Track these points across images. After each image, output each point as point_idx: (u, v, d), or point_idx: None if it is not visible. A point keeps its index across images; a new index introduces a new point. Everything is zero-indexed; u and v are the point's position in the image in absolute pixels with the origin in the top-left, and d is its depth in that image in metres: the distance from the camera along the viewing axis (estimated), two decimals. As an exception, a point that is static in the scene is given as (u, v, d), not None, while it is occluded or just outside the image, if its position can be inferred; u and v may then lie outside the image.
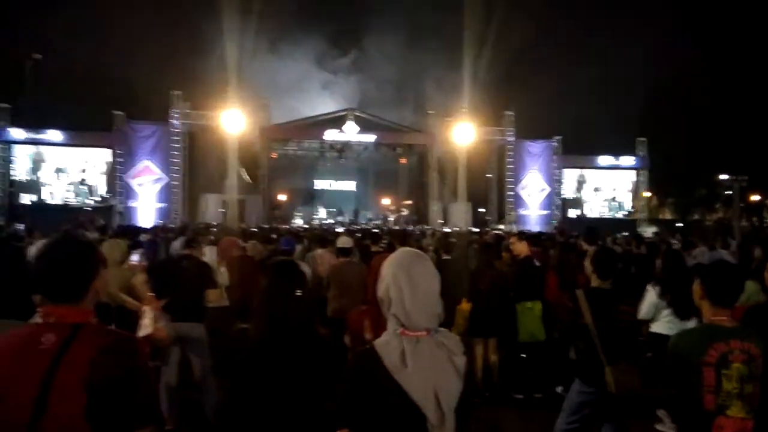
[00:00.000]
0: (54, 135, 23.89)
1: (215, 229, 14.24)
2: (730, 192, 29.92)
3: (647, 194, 29.95)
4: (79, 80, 26.55)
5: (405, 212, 29.58)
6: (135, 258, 6.43)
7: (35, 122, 23.63)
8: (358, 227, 21.55)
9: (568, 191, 28.52)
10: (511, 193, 27.35)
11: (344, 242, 6.69)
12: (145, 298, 4.89)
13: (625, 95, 31.93)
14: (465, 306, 5.69)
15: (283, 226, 20.68)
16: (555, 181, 27.90)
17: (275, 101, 28.59)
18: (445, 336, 1.89)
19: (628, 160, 28.51)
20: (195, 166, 25.97)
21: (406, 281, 1.87)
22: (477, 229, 21.93)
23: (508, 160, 27.35)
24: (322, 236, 9.65)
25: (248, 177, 26.81)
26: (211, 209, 24.65)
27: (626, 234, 18.38)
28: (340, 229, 17.92)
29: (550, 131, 27.96)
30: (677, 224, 33.83)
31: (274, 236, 10.61)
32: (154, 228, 15.83)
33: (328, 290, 6.26)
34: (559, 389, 5.95)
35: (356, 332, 3.93)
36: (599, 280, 3.93)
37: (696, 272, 3.04)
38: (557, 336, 6.29)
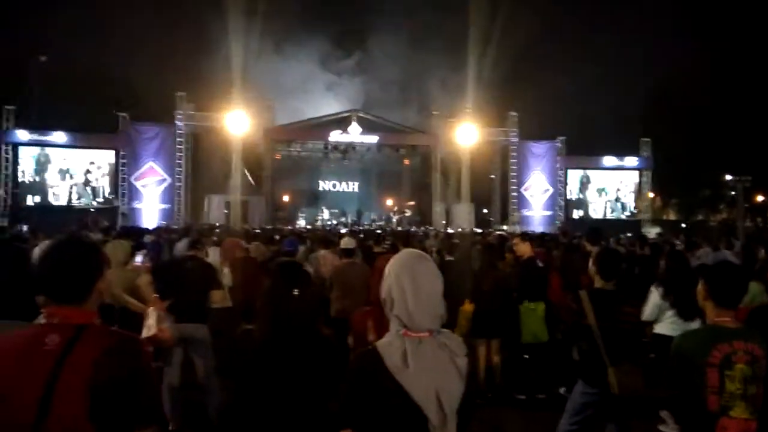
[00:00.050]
0: (59, 137, 23.96)
1: (218, 231, 14.27)
2: (734, 192, 29.84)
3: (651, 195, 29.87)
4: (83, 82, 26.61)
5: (408, 213, 29.57)
6: (138, 259, 6.44)
7: (40, 124, 23.72)
8: (361, 228, 21.58)
9: (571, 192, 28.46)
10: (515, 194, 27.30)
11: (347, 243, 6.70)
12: (149, 299, 4.90)
13: (628, 96, 31.83)
14: (468, 307, 5.69)
15: (286, 227, 20.73)
16: (558, 182, 27.84)
17: (279, 102, 28.65)
18: (447, 337, 1.89)
19: (632, 161, 28.43)
20: (199, 167, 26.03)
21: (409, 282, 1.87)
22: (480, 230, 21.92)
23: (512, 160, 27.32)
24: (326, 237, 9.67)
25: (252, 178, 26.87)
26: (215, 210, 24.70)
27: (630, 235, 18.35)
28: (343, 230, 17.95)
29: (554, 132, 27.92)
30: (681, 225, 33.76)
31: (277, 237, 10.62)
32: (158, 229, 15.87)
33: (330, 291, 6.27)
34: (561, 390, 5.94)
35: (359, 333, 3.92)
36: (602, 280, 3.91)
37: (700, 273, 3.04)
38: (560, 337, 6.29)
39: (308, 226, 24.45)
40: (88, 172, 24.50)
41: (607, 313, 3.70)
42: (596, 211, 28.55)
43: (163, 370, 4.97)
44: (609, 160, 28.45)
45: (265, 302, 2.50)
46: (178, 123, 24.71)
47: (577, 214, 28.31)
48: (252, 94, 25.07)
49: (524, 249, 6.79)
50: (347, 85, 37.07)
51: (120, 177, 24.37)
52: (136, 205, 24.58)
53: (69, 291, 1.80)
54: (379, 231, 15.31)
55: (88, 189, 24.47)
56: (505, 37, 26.32)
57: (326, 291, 6.33)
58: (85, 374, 1.65)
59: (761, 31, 33.67)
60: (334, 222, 28.18)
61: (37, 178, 23.92)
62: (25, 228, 14.51)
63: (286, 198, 31.05)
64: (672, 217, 41.43)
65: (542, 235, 14.00)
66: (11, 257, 4.45)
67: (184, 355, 5.13)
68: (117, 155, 24.47)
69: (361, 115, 27.00)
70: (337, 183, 33.64)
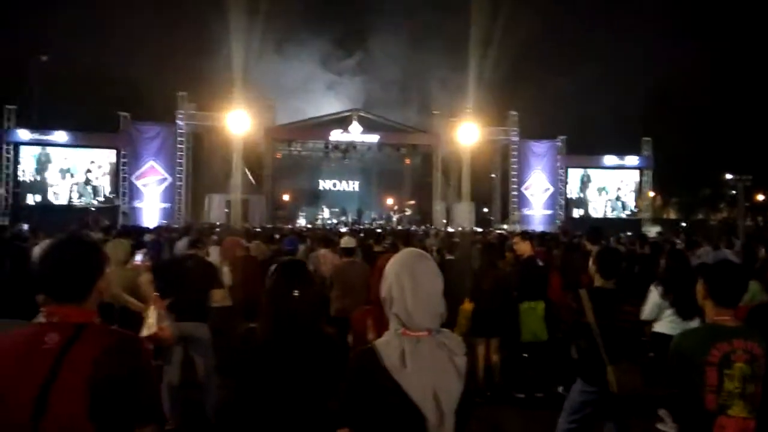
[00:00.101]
0: (60, 136, 23.98)
1: (219, 230, 14.28)
2: (735, 192, 29.82)
3: (652, 194, 29.85)
4: (84, 81, 26.62)
5: (408, 212, 29.58)
6: (139, 258, 6.45)
7: (41, 123, 23.75)
8: (362, 227, 21.57)
9: (572, 191, 28.46)
10: (515, 193, 27.30)
11: (347, 242, 6.71)
12: (149, 297, 4.91)
13: (629, 95, 31.82)
14: (467, 306, 5.69)
15: (287, 226, 20.73)
16: (559, 181, 27.84)
17: (281, 102, 28.66)
18: (446, 336, 1.89)
19: (633, 160, 28.42)
20: (200, 166, 26.04)
21: (408, 281, 1.87)
22: (480, 229, 21.92)
23: (512, 160, 27.32)
24: (326, 236, 9.67)
25: (252, 177, 26.88)
26: (215, 209, 24.72)
27: (630, 234, 18.34)
28: (343, 229, 17.96)
29: (555, 131, 27.91)
30: (681, 224, 33.73)
31: (277, 236, 10.63)
32: (158, 228, 15.88)
33: (330, 290, 6.27)
34: (560, 389, 5.95)
35: (359, 332, 3.93)
36: (602, 279, 3.92)
37: (700, 272, 3.04)
38: (561, 336, 6.29)
39: (309, 225, 24.46)
40: (88, 171, 24.53)
41: (607, 312, 3.70)
42: (597, 210, 28.54)
43: (162, 369, 4.98)
44: (609, 159, 28.44)
45: (267, 301, 2.50)
46: (179, 122, 24.72)
47: (577, 213, 28.30)
48: (253, 94, 25.09)
49: (524, 248, 6.79)
50: (348, 84, 37.08)
51: (121, 176, 24.39)
52: (137, 204, 24.61)
53: (69, 290, 1.80)
54: (379, 230, 15.30)
55: (89, 188, 24.49)
56: (505, 37, 26.33)
57: (326, 290, 6.33)
58: (85, 373, 1.65)
59: (761, 31, 33.65)
60: (335, 221, 28.19)
61: (38, 177, 23.94)
62: (25, 227, 14.52)
63: (286, 197, 31.04)
64: (672, 216, 41.41)
65: (542, 234, 13.98)
66: (11, 256, 4.46)
67: (184, 354, 5.14)
68: (118, 154, 24.48)
69: (361, 114, 27.00)
70: (338, 182, 33.64)
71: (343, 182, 33.69)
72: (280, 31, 32.93)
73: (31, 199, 23.69)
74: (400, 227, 23.83)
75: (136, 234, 10.47)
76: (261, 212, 25.51)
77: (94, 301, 1.86)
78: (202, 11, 29.09)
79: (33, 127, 23.62)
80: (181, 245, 9.22)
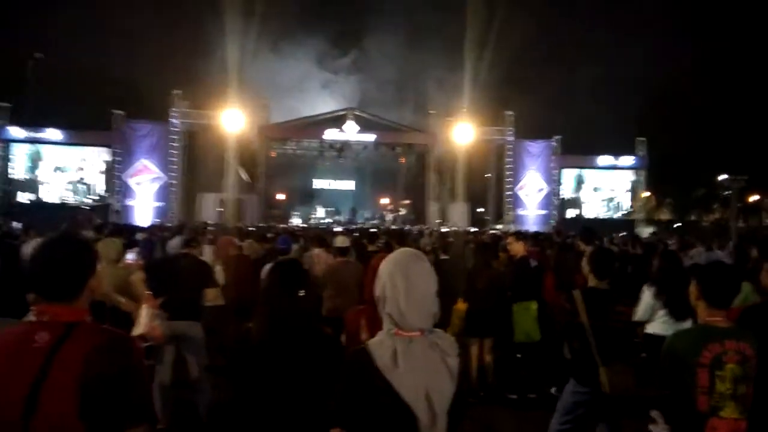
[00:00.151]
0: (53, 134, 23.88)
1: (212, 229, 14.24)
2: (729, 192, 29.92)
3: (646, 194, 29.95)
4: (78, 79, 26.51)
5: (403, 212, 29.58)
6: (131, 257, 6.42)
7: (34, 121, 23.63)
8: (356, 227, 21.55)
9: (566, 191, 28.53)
10: (510, 193, 27.35)
11: (341, 242, 6.70)
12: (142, 296, 4.88)
13: (624, 95, 31.97)
14: (461, 306, 5.69)
15: (281, 225, 20.69)
16: (553, 181, 27.90)
17: (275, 101, 28.66)
18: (439, 337, 1.89)
19: (627, 160, 28.52)
20: (193, 165, 25.95)
21: (402, 281, 1.87)
22: (475, 229, 21.94)
23: (507, 159, 27.37)
24: (319, 236, 9.65)
25: (247, 176, 26.81)
26: (209, 208, 24.66)
27: (623, 234, 18.39)
28: (337, 229, 17.94)
29: (550, 131, 28.00)
30: (675, 225, 33.85)
31: (270, 235, 10.60)
32: (151, 227, 15.82)
33: (324, 290, 6.26)
34: (553, 390, 5.95)
35: (352, 332, 3.92)
36: (596, 280, 3.93)
37: (692, 273, 3.04)
38: (557, 337, 6.29)
39: (303, 225, 24.42)
40: (81, 169, 24.43)
41: (601, 312, 3.71)
42: (591, 211, 28.62)
43: (154, 368, 4.95)
44: (604, 160, 28.53)
45: (263, 301, 2.50)
46: (172, 120, 24.64)
47: (571, 213, 28.37)
48: (247, 92, 25.07)
49: (518, 248, 6.80)
50: (343, 83, 37.13)
51: (114, 174, 24.28)
52: (130, 202, 24.51)
53: (60, 289, 1.79)
54: (373, 230, 15.29)
55: (82, 186, 24.38)
56: (501, 37, 26.39)
57: (319, 290, 6.32)
58: (75, 371, 1.64)
59: (757, 32, 33.82)
60: (329, 220, 28.15)
61: (30, 175, 23.83)
62: (17, 225, 14.45)
63: (280, 196, 31.00)
64: (666, 216, 41.54)
65: (536, 234, 14.00)
66: (2, 254, 4.43)
67: (177, 353, 5.11)
68: (111, 153, 24.39)
69: (357, 113, 26.97)
70: (332, 181, 33.63)
71: (338, 181, 33.68)
72: (275, 30, 32.94)
73: (23, 197, 23.59)
74: (394, 227, 23.83)
75: (128, 233, 10.41)
76: (255, 211, 25.46)
77: (85, 300, 1.85)
78: (197, 9, 29.09)
79: (26, 125, 23.51)
80: (174, 244, 9.19)
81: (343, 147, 27.88)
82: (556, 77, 31.91)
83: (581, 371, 3.76)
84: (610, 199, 28.73)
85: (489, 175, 28.70)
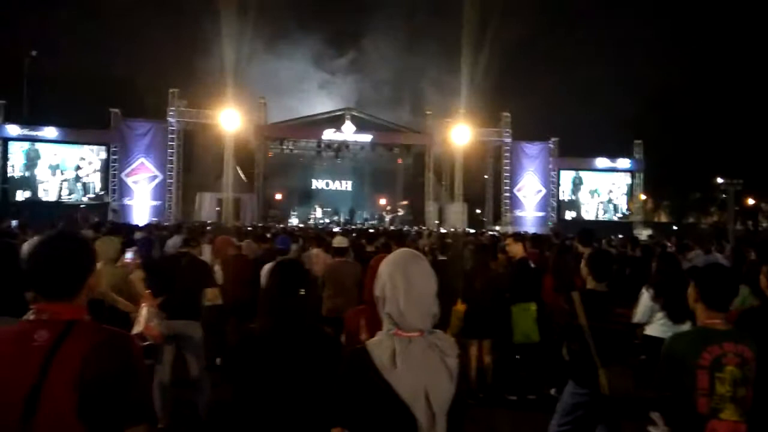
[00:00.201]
0: (49, 132, 23.82)
1: (211, 228, 14.23)
2: (725, 195, 30.00)
3: (643, 197, 30.02)
4: (75, 77, 26.48)
5: (401, 212, 29.58)
6: (129, 256, 6.40)
7: (31, 119, 23.61)
8: (354, 227, 21.55)
9: (564, 193, 28.56)
10: (507, 194, 27.38)
11: (340, 242, 6.70)
12: (141, 295, 4.87)
13: (621, 98, 32.02)
14: (460, 307, 5.69)
15: (279, 225, 20.67)
16: (551, 183, 27.95)
17: (273, 100, 28.60)
18: (438, 337, 1.88)
19: (625, 163, 28.58)
20: (191, 164, 25.95)
21: (402, 281, 1.86)
22: (473, 230, 21.95)
23: (505, 161, 27.41)
24: (318, 236, 9.64)
25: (244, 176, 26.79)
26: (206, 207, 24.64)
27: (621, 236, 18.40)
28: (335, 229, 17.93)
29: (547, 133, 28.08)
30: (673, 227, 33.92)
31: (269, 235, 10.59)
32: (148, 226, 15.79)
33: (323, 290, 6.26)
34: (552, 391, 5.95)
35: (351, 332, 3.92)
36: (595, 282, 3.93)
37: (690, 275, 3.04)
38: (556, 338, 6.29)
39: (301, 225, 24.40)
40: (78, 167, 24.37)
41: (599, 314, 3.71)
42: (588, 213, 28.67)
43: (153, 368, 4.94)
44: (601, 162, 28.58)
45: (264, 300, 2.49)
46: (170, 119, 24.61)
47: (569, 215, 28.41)
48: (245, 92, 25.07)
49: (517, 249, 6.80)
50: (341, 83, 37.12)
51: (111, 173, 24.24)
52: (127, 201, 24.47)
53: (59, 287, 1.78)
54: (371, 230, 15.28)
55: (79, 185, 24.33)
56: (498, 38, 26.42)
57: (318, 290, 6.32)
58: (74, 370, 1.63)
59: (753, 36, 33.91)
60: (327, 221, 28.14)
61: (27, 174, 23.77)
62: (14, 223, 14.40)
63: (278, 196, 30.96)
64: (664, 219, 41.63)
65: (535, 235, 14.00)
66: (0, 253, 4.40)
67: (176, 353, 5.10)
68: (108, 151, 24.34)
69: (354, 113, 26.99)
70: (330, 181, 33.58)
71: (336, 182, 33.64)
72: (273, 30, 32.94)
73: (21, 196, 23.52)
74: (392, 227, 23.82)
75: (126, 232, 10.40)
76: (253, 211, 25.44)
77: (84, 298, 1.84)
78: (195, 9, 29.06)
79: (22, 123, 23.46)
80: (172, 243, 9.18)
81: (340, 147, 27.90)
82: (553, 79, 31.98)
83: (580, 373, 3.76)
84: (608, 201, 28.78)
85: (487, 176, 28.74)
